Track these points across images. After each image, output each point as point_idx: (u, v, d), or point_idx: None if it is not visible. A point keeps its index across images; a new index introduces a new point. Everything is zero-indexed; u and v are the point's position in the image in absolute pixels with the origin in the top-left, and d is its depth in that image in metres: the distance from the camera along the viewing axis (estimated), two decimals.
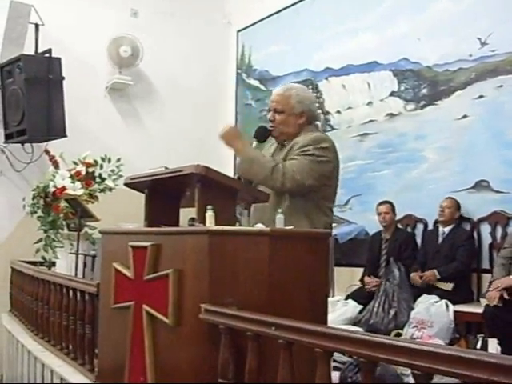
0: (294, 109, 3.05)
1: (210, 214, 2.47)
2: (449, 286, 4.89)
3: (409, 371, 3.83)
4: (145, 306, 2.61)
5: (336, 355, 4.09)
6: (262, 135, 3.10)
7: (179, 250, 2.47)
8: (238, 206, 2.77)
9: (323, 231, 2.48)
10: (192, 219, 2.66)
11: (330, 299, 4.77)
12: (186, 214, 2.95)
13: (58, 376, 3.60)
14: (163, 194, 3.03)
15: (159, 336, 2.53)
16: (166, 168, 2.86)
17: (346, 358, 3.99)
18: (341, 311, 4.65)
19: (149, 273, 2.60)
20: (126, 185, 3.16)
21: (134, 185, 3.11)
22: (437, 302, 4.28)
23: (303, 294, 2.29)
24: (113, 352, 2.95)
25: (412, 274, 5.05)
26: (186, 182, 2.72)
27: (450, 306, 4.25)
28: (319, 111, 7.05)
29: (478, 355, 1.29)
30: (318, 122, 3.30)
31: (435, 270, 4.97)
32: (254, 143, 3.07)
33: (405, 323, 4.30)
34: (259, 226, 2.44)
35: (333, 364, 4.00)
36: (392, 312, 4.39)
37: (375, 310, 4.48)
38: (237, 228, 2.41)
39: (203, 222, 2.50)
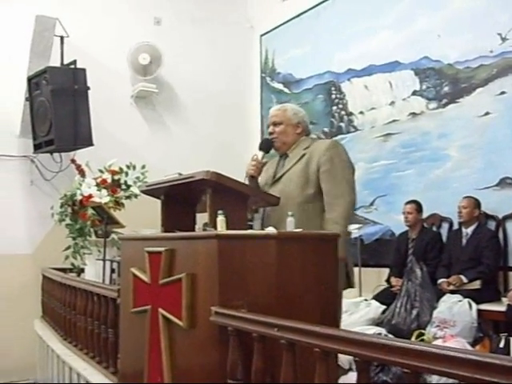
0: (291, 120, 3.38)
1: (220, 219, 2.53)
2: (476, 284, 4.86)
3: None
4: (161, 310, 2.68)
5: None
6: (266, 146, 3.41)
7: (191, 254, 2.53)
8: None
9: (330, 233, 2.51)
10: (205, 224, 2.72)
11: (353, 300, 4.83)
12: (204, 218, 3.02)
13: (83, 379, 3.72)
14: (179, 199, 3.11)
15: (174, 338, 2.60)
16: (180, 174, 2.93)
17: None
18: (364, 312, 4.66)
19: (164, 277, 2.67)
20: (143, 192, 3.24)
21: (151, 191, 3.19)
22: (460, 301, 4.25)
23: (312, 296, 2.32)
24: (133, 355, 3.03)
25: (439, 281, 4.99)
26: (199, 188, 2.78)
27: (473, 305, 4.22)
28: (343, 112, 7.11)
29: (464, 354, 1.31)
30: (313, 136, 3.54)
31: (462, 276, 4.91)
32: (261, 154, 3.34)
33: (427, 323, 4.28)
34: (270, 229, 2.48)
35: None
36: (414, 312, 4.38)
37: (397, 310, 4.47)
38: (245, 232, 2.45)
39: (215, 226, 2.56)
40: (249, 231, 2.55)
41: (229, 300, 2.27)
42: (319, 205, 3.09)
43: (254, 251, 2.31)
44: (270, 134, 3.40)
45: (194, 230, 3.03)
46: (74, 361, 4.12)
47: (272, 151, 3.47)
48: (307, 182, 3.15)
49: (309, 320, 2.01)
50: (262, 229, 2.91)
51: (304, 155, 3.25)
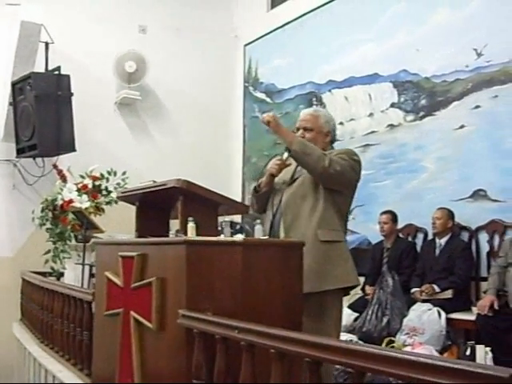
0: (322, 128, 3.28)
1: (191, 226, 2.62)
2: (448, 294, 4.95)
3: None
4: (132, 313, 2.76)
5: None
6: None
7: (162, 259, 2.62)
8: (248, 220, 2.97)
9: (296, 241, 2.61)
10: (177, 230, 2.81)
11: None
12: (177, 225, 3.10)
13: (58, 380, 3.78)
14: (154, 206, 3.19)
15: (145, 340, 2.68)
16: (154, 182, 3.01)
17: (338, 366, 4.11)
18: None
19: (135, 281, 2.75)
20: (119, 198, 3.32)
21: (126, 198, 3.27)
22: (429, 309, 4.35)
23: (277, 300, 2.42)
24: (106, 357, 3.10)
25: (413, 290, 5.09)
26: (172, 196, 2.87)
27: (443, 313, 4.32)
28: None
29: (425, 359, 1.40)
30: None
31: (434, 285, 5.00)
32: (286, 155, 3.20)
33: (397, 330, 4.38)
34: (237, 236, 2.57)
35: None
36: (385, 319, 4.48)
37: (368, 317, 4.57)
38: (212, 238, 2.54)
39: (186, 232, 2.64)
40: (216, 238, 2.64)
41: (196, 304, 2.36)
42: (329, 213, 3.10)
43: (221, 257, 2.40)
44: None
45: (167, 235, 3.11)
46: (50, 363, 4.18)
47: None
48: (318, 185, 3.13)
49: (274, 322, 2.10)
50: (271, 234, 2.96)
51: None
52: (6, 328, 6.19)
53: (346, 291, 3.16)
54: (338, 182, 3.11)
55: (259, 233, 2.65)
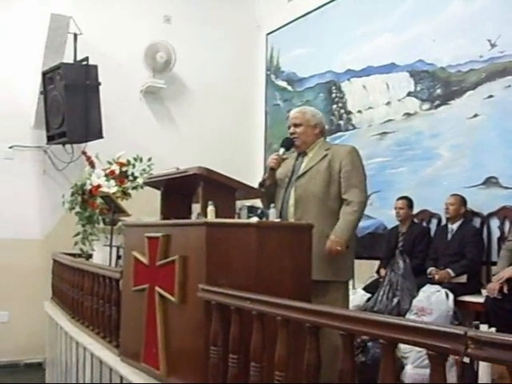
0: (310, 121, 3.74)
1: (210, 209, 2.87)
2: (463, 279, 5.15)
3: (408, 354, 4.16)
4: (157, 288, 3.04)
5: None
6: (288, 144, 3.74)
7: (184, 239, 2.89)
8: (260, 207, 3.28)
9: (305, 223, 2.85)
10: (199, 213, 3.06)
11: None
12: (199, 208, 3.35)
13: (89, 352, 4.09)
14: (177, 191, 3.44)
15: (168, 313, 2.96)
16: (178, 169, 3.26)
17: None
18: (349, 299, 4.99)
19: (160, 259, 3.02)
20: (146, 184, 3.58)
21: (152, 183, 3.53)
22: (438, 291, 4.55)
23: (287, 278, 2.67)
24: (132, 329, 3.39)
25: (429, 270, 5.28)
26: (194, 182, 3.12)
27: (450, 295, 4.52)
28: (342, 111, 7.42)
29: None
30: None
31: (449, 270, 5.20)
32: (282, 150, 3.68)
33: (406, 310, 4.59)
34: (253, 219, 2.82)
35: None
36: (395, 300, 4.70)
37: (380, 298, 4.79)
38: (229, 220, 2.80)
39: (206, 215, 2.90)
40: (233, 220, 2.89)
41: (214, 279, 2.62)
42: (338, 204, 3.50)
43: (237, 237, 2.66)
44: (292, 134, 3.72)
45: (190, 218, 3.38)
46: (80, 337, 4.50)
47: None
48: (330, 180, 3.53)
49: (283, 298, 2.34)
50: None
51: (326, 156, 3.61)
52: (39, 306, 6.54)
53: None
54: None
55: (273, 216, 2.89)
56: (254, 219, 2.84)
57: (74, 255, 6.06)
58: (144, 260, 3.21)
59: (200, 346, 2.63)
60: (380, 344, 1.62)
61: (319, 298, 3.06)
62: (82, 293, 4.82)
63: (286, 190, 3.49)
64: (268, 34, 8.79)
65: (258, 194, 3.10)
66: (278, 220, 2.82)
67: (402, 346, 4.11)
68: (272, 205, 2.97)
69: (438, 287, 4.60)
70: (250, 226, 2.65)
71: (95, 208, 6.15)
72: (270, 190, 3.56)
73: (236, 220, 2.93)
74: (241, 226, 2.70)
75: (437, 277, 5.07)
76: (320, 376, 1.94)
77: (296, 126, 3.71)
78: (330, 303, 3.08)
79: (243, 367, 2.32)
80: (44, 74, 6.91)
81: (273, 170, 3.62)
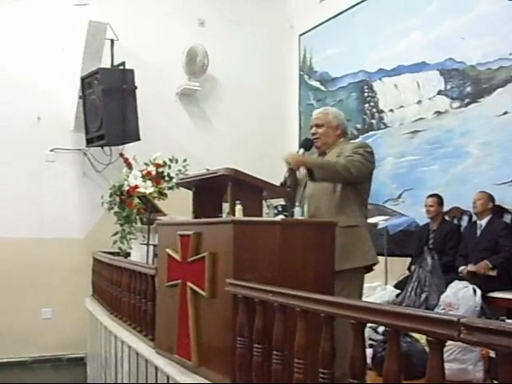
0: (332, 122, 3.74)
1: (238, 208, 3.02)
2: (494, 272, 5.20)
3: None
4: (188, 283, 3.21)
5: (372, 335, 4.56)
6: (307, 145, 3.78)
7: (213, 236, 3.05)
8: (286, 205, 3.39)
9: (329, 221, 2.98)
10: (228, 212, 3.22)
11: (370, 285, 5.25)
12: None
13: (126, 345, 4.30)
14: (208, 191, 3.61)
15: (199, 306, 3.13)
16: (208, 170, 3.43)
17: (379, 337, 4.45)
18: (379, 295, 5.08)
19: (191, 255, 3.19)
20: (178, 184, 3.76)
21: (184, 184, 3.70)
22: (466, 287, 4.61)
23: (310, 272, 2.80)
24: (166, 322, 3.57)
25: (460, 269, 5.35)
26: (223, 182, 3.27)
27: (478, 290, 4.58)
28: (374, 110, 7.50)
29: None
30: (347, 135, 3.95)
31: (486, 261, 5.25)
32: (301, 151, 3.70)
33: (435, 306, 4.66)
34: (278, 218, 2.96)
35: (368, 342, 4.50)
36: (423, 296, 4.78)
37: (408, 294, 4.88)
38: (255, 218, 2.95)
39: (234, 214, 3.05)
40: (259, 218, 3.04)
41: (241, 274, 2.78)
42: (347, 201, 3.47)
43: (263, 234, 2.81)
44: (313, 134, 3.74)
45: (221, 216, 3.54)
46: (118, 331, 4.72)
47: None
48: None
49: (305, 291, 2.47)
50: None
51: (337, 155, 3.63)
52: (80, 303, 6.79)
53: (368, 268, 3.53)
54: (358, 178, 3.50)
55: (298, 214, 3.03)
56: (279, 217, 2.98)
57: (112, 254, 6.27)
58: (177, 256, 3.38)
59: (228, 337, 2.79)
60: (386, 331, 1.75)
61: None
62: (119, 289, 5.04)
63: (305, 189, 3.60)
64: (301, 34, 8.92)
65: (284, 194, 3.23)
66: (303, 218, 2.95)
67: None
68: (297, 203, 3.10)
69: (465, 283, 4.66)
70: (274, 223, 2.80)
71: (133, 208, 6.38)
72: (293, 188, 3.64)
73: (261, 218, 3.08)
74: (266, 224, 2.86)
75: (474, 268, 5.13)
76: (334, 363, 2.08)
77: (318, 126, 3.73)
78: (344, 292, 3.15)
79: (267, 356, 2.47)
80: (83, 79, 7.17)
81: (291, 170, 3.62)
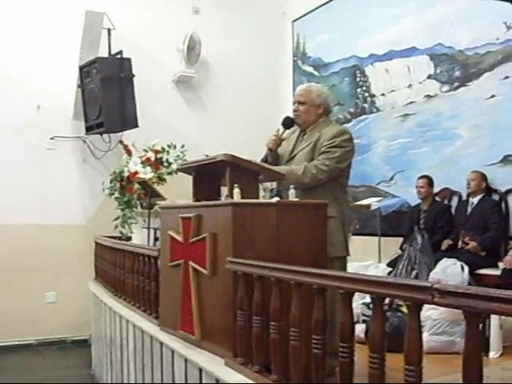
0: (314, 101, 3.72)
1: (236, 191, 3.21)
2: (482, 252, 5.42)
3: (425, 323, 4.45)
4: (190, 263, 3.42)
5: (365, 311, 4.77)
6: (288, 123, 3.82)
7: (213, 218, 3.25)
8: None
9: (321, 202, 3.17)
10: (226, 195, 3.41)
11: (362, 263, 5.47)
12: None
13: (131, 324, 4.51)
14: (207, 176, 3.79)
15: (201, 284, 3.34)
16: (207, 156, 3.61)
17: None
18: (371, 273, 5.29)
19: (193, 236, 3.39)
20: (179, 170, 3.94)
21: (184, 170, 3.89)
22: (454, 264, 4.84)
23: (305, 252, 3.01)
24: (170, 301, 3.77)
25: (444, 242, 5.60)
26: (221, 167, 3.46)
27: (465, 267, 4.79)
28: (366, 94, 7.68)
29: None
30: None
31: (476, 243, 5.44)
32: (281, 129, 3.78)
33: None
34: (274, 199, 3.16)
35: (362, 318, 4.72)
36: (413, 273, 5.00)
37: (399, 271, 5.09)
38: (252, 200, 3.15)
39: (232, 197, 3.24)
40: (256, 200, 3.24)
41: (240, 252, 2.98)
42: (325, 189, 3.52)
43: (260, 216, 3.02)
44: (295, 111, 3.72)
45: (219, 199, 3.72)
46: (123, 311, 4.94)
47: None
48: (313, 159, 3.55)
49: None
50: None
51: (316, 138, 3.63)
52: (83, 286, 7.01)
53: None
54: (332, 175, 3.54)
55: (292, 196, 3.23)
56: (275, 199, 3.17)
57: (114, 238, 6.46)
58: (179, 238, 3.58)
59: (229, 311, 3.00)
60: (371, 299, 1.96)
61: None
62: (123, 271, 5.25)
63: (288, 163, 3.64)
64: (294, 20, 9.05)
65: (279, 177, 3.41)
66: (297, 199, 3.14)
67: None
68: (291, 186, 3.27)
69: (454, 260, 4.88)
70: (270, 205, 3.00)
71: (133, 193, 6.59)
72: (274, 165, 3.62)
73: (258, 200, 3.28)
74: (263, 206, 3.06)
75: (470, 246, 5.34)
76: (326, 330, 2.29)
77: (300, 103, 3.70)
78: None
79: (265, 327, 2.68)
80: (81, 68, 7.34)
81: (271, 150, 3.71)
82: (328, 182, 3.55)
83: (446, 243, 5.64)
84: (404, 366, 1.83)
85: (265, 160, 3.73)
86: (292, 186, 3.28)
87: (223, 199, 3.45)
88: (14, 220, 7.27)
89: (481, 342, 1.62)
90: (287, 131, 3.85)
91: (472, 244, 5.37)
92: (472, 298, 1.57)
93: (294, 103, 3.81)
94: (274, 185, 3.63)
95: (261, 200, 3.32)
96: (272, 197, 3.32)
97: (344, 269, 3.50)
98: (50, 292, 7.51)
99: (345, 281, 2.09)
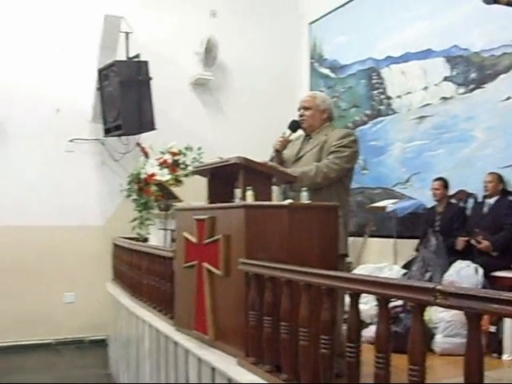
0: (319, 106, 3.87)
1: (249, 193, 3.27)
2: (494, 252, 5.41)
3: (438, 325, 4.48)
4: (204, 264, 3.48)
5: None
6: (294, 126, 3.93)
7: (227, 220, 3.31)
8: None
9: (332, 204, 3.22)
10: (240, 198, 3.47)
11: (377, 265, 5.49)
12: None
13: (147, 324, 4.59)
14: (222, 178, 3.85)
15: (214, 285, 3.40)
16: (221, 158, 3.67)
17: None
18: (386, 274, 5.31)
19: (207, 238, 3.46)
20: (194, 172, 4.01)
21: (199, 172, 3.96)
22: (468, 266, 4.84)
23: (315, 253, 3.05)
24: (185, 301, 3.84)
25: (459, 239, 5.59)
26: (235, 169, 3.52)
27: (480, 270, 4.79)
28: (382, 96, 7.69)
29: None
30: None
31: (488, 242, 5.43)
32: (288, 132, 3.89)
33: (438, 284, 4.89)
34: (286, 201, 3.21)
35: (376, 319, 4.74)
36: (427, 275, 5.01)
37: (413, 273, 5.11)
38: (265, 203, 3.20)
39: (245, 199, 3.30)
40: (268, 202, 3.28)
41: (252, 254, 3.03)
42: (330, 189, 3.58)
43: (272, 218, 3.06)
44: (300, 116, 3.84)
45: (233, 201, 3.78)
46: (139, 311, 5.02)
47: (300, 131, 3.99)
48: (320, 160, 3.63)
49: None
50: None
51: (323, 141, 3.73)
52: (101, 287, 7.11)
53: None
54: (339, 177, 3.64)
55: (304, 198, 3.27)
56: (287, 201, 3.22)
57: (131, 239, 6.55)
58: (193, 239, 3.64)
59: (241, 311, 3.05)
60: (376, 300, 2.00)
61: None
62: (139, 272, 5.33)
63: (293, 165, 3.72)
64: (311, 23, 9.09)
65: (291, 180, 3.46)
66: (309, 202, 3.18)
67: (432, 317, 4.46)
68: (303, 188, 3.32)
69: (468, 263, 4.89)
70: (282, 207, 3.05)
71: (150, 195, 6.67)
72: None
73: (270, 202, 3.33)
74: (275, 208, 3.11)
75: (482, 245, 5.34)
76: (334, 330, 2.34)
77: (305, 108, 3.83)
78: None
79: (276, 327, 2.73)
80: (99, 71, 7.45)
81: (277, 151, 3.80)
82: (334, 182, 3.63)
83: (461, 241, 5.60)
84: (408, 366, 1.87)
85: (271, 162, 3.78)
86: (304, 189, 3.33)
87: (237, 201, 3.51)
88: (34, 221, 7.40)
89: (481, 343, 1.65)
90: (294, 134, 3.97)
91: (484, 243, 5.36)
92: (473, 300, 1.60)
93: (299, 109, 3.93)
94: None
95: (273, 202, 3.36)
96: (285, 199, 3.36)
97: (345, 266, 3.59)
98: (69, 292, 7.62)
99: (353, 282, 2.13)
